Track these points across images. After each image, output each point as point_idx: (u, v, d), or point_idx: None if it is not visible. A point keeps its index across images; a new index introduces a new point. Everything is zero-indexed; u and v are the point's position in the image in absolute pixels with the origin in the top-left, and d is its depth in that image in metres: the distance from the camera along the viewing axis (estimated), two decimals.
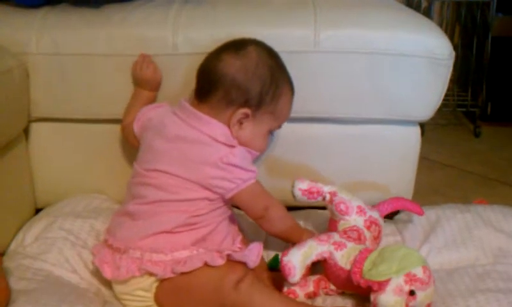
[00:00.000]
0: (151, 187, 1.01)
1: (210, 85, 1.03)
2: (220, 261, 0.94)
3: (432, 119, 1.28)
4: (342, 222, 1.05)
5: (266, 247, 1.13)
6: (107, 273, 0.98)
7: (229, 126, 1.02)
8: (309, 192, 1.07)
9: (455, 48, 1.22)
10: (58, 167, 1.27)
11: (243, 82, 1.01)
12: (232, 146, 1.01)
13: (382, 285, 0.87)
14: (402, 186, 1.30)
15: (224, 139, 1.01)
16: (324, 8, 1.21)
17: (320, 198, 1.07)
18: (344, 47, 1.16)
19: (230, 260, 0.95)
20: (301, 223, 1.18)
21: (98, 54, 1.16)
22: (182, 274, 0.93)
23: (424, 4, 2.15)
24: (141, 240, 0.97)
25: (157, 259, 0.96)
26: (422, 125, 1.34)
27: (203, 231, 1.00)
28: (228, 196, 1.01)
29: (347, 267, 0.96)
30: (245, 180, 1.01)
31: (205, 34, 1.15)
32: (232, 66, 1.02)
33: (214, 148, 1.00)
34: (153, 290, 0.96)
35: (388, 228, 1.18)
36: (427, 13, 2.09)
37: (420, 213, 1.14)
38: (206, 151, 1.00)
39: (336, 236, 1.02)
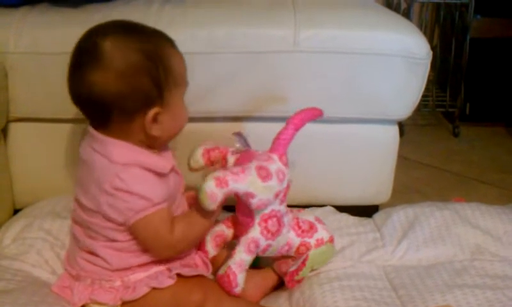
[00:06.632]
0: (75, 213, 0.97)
1: (99, 114, 0.88)
2: (169, 282, 0.89)
3: (412, 119, 1.29)
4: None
5: None
6: (68, 296, 0.94)
7: (146, 134, 0.88)
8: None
9: (434, 49, 1.24)
10: (37, 168, 1.26)
11: (129, 89, 0.84)
12: (126, 165, 0.86)
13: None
14: (381, 184, 1.32)
15: (120, 158, 0.87)
16: (304, 8, 1.23)
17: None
18: (323, 46, 1.17)
19: (184, 277, 0.90)
20: None
21: None
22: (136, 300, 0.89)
23: (404, 5, 2.17)
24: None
25: (108, 286, 0.91)
26: (402, 125, 1.35)
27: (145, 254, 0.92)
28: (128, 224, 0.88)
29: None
30: (137, 211, 0.87)
31: (186, 34, 1.15)
32: (106, 83, 0.84)
33: (107, 170, 0.87)
34: None
35: (367, 225, 1.19)
36: (406, 15, 2.10)
37: (320, 114, 0.99)
38: (99, 174, 0.87)
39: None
